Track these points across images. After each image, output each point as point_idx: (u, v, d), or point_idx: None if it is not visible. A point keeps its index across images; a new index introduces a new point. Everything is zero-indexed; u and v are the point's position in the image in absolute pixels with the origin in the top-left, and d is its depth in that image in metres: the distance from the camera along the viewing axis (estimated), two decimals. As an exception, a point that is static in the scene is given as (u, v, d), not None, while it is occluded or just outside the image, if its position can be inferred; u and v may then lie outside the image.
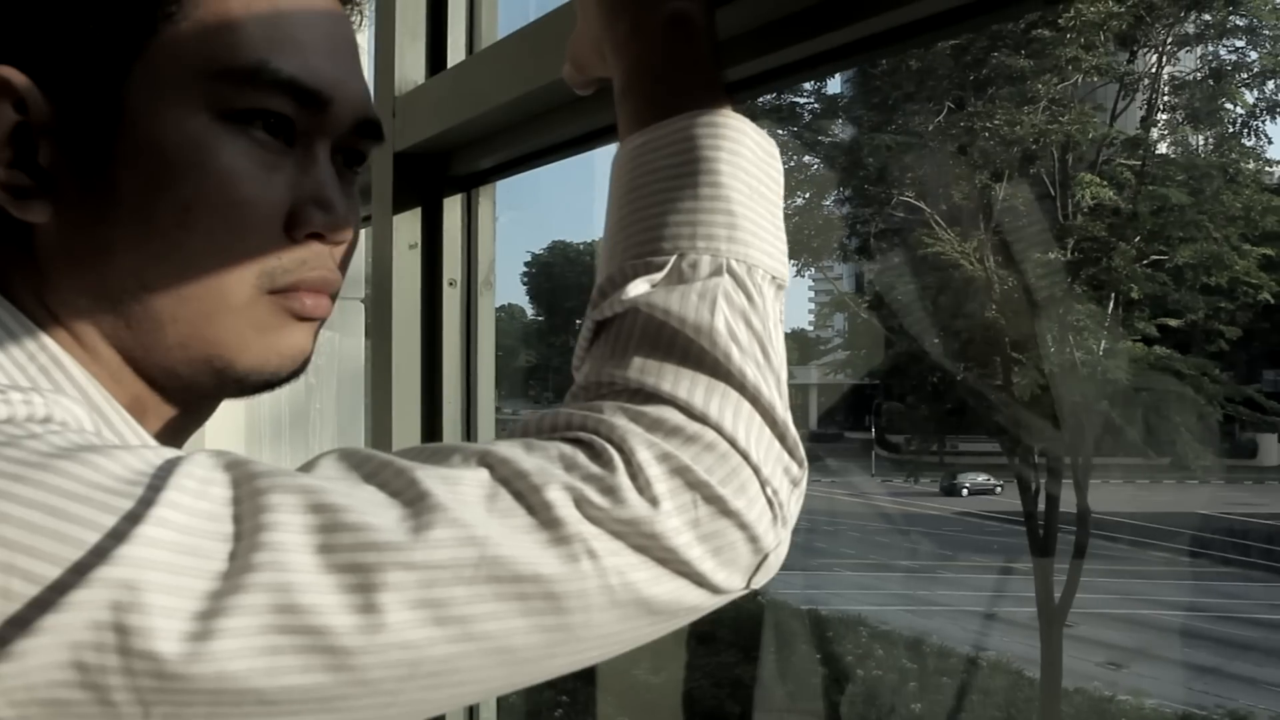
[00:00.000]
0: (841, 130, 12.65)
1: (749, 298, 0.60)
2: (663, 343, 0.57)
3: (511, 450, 0.52)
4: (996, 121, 10.61)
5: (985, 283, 11.03)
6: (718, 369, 0.57)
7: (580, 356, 0.63)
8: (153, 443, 0.61)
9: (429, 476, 0.50)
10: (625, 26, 0.69)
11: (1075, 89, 10.99)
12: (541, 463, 0.52)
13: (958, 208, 11.31)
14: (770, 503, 0.56)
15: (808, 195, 12.57)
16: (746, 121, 0.65)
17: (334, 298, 0.69)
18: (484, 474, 0.51)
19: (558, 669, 0.54)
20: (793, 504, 0.59)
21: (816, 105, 12.51)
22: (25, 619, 0.42)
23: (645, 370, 0.57)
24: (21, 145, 0.60)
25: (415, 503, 0.49)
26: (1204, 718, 10.14)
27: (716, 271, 0.60)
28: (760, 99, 12.29)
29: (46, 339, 0.60)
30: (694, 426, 0.55)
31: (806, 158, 12.52)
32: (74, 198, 0.61)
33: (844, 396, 17.83)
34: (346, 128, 0.67)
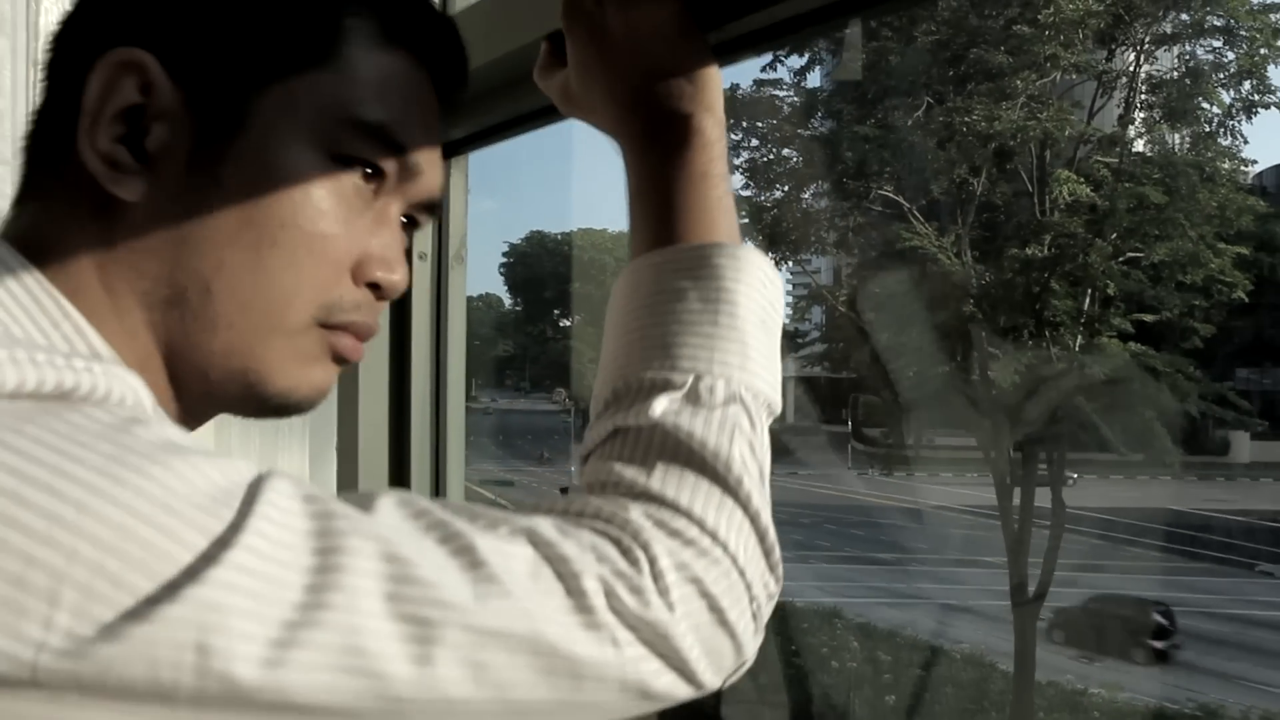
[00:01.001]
0: (820, 124, 12.66)
1: (753, 425, 0.66)
2: (682, 460, 0.63)
3: (551, 533, 0.56)
4: (975, 117, 10.66)
5: (962, 277, 11.08)
6: (729, 491, 0.62)
7: (589, 449, 0.67)
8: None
9: (485, 546, 0.54)
10: (641, 125, 0.76)
11: (1054, 86, 11.07)
12: (577, 550, 0.56)
13: (936, 202, 11.36)
14: (754, 616, 0.62)
15: (786, 189, 12.58)
16: (760, 255, 0.71)
17: None
18: (529, 550, 0.55)
19: None
20: (766, 614, 0.64)
21: (796, 98, 12.53)
22: (113, 628, 0.44)
23: (666, 482, 0.62)
24: (133, 124, 0.63)
25: (474, 569, 0.52)
26: (1176, 711, 10.24)
27: (730, 399, 0.65)
28: (741, 88, 12.32)
29: (70, 308, 0.61)
30: (707, 541, 0.60)
31: (785, 150, 12.52)
32: (172, 186, 0.63)
33: (821, 390, 17.88)
34: (421, 199, 0.71)
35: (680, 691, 0.59)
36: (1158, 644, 11.49)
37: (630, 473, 0.63)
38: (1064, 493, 11.16)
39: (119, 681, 0.45)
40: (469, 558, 0.53)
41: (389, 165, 0.67)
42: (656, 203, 0.74)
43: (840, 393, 17.55)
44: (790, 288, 16.20)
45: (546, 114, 1.19)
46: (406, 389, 1.43)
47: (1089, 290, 10.82)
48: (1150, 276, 10.94)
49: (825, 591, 13.63)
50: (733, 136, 12.22)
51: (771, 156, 12.39)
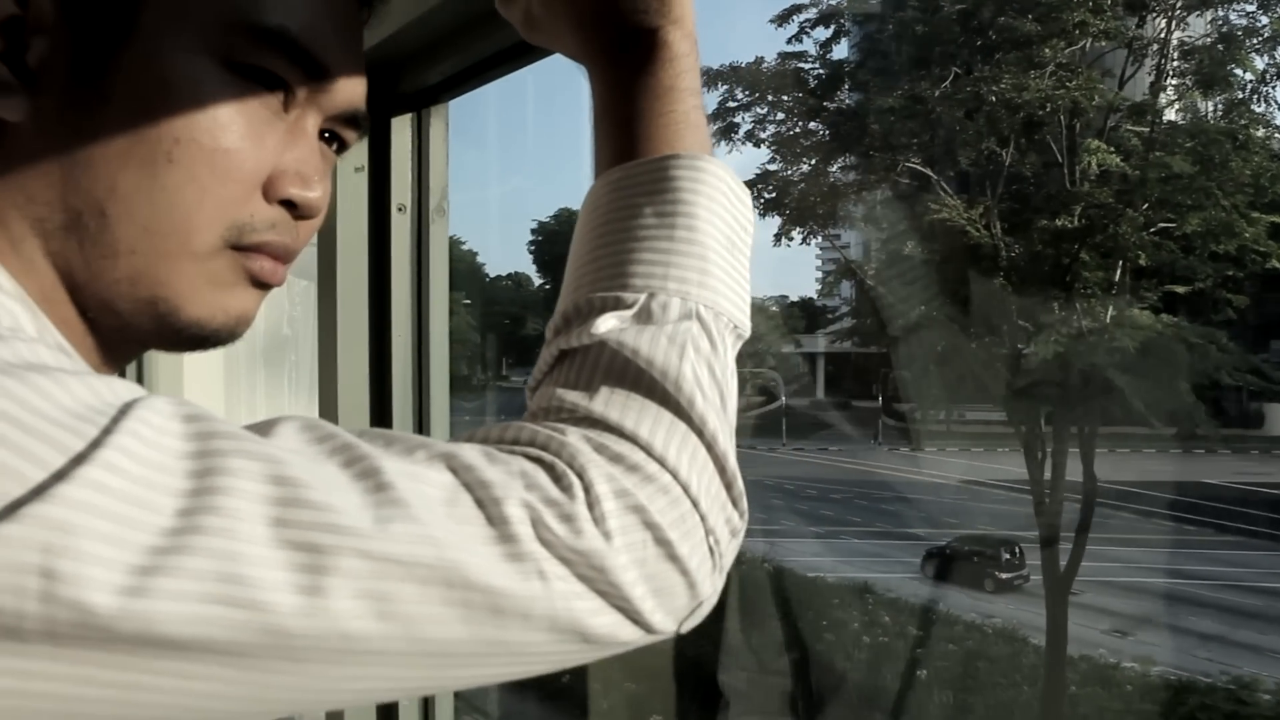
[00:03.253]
0: (847, 96, 12.54)
1: (713, 346, 0.61)
2: (629, 380, 0.58)
3: (475, 457, 0.52)
4: (1003, 86, 10.51)
5: (991, 250, 10.96)
6: (680, 413, 0.58)
7: (537, 379, 0.63)
8: (83, 365, 0.58)
9: (393, 469, 0.49)
10: (605, 42, 0.71)
11: (1083, 54, 10.88)
12: (502, 475, 0.52)
13: (964, 174, 11.24)
14: (711, 551, 0.57)
15: (814, 161, 12.48)
16: (726, 168, 0.67)
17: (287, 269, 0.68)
18: (447, 476, 0.51)
19: (483, 678, 0.54)
20: (730, 552, 0.60)
21: (822, 71, 12.41)
22: None
23: (610, 404, 0.57)
24: (12, 39, 0.58)
25: (377, 492, 0.48)
26: (1208, 684, 10.14)
27: (686, 316, 0.61)
28: (767, 61, 12.22)
29: None
30: (653, 467, 0.55)
31: (812, 124, 12.42)
32: (57, 103, 0.59)
33: (851, 365, 17.79)
34: (339, 110, 0.67)
35: (625, 634, 0.54)
36: (1004, 575, 12.77)
37: (573, 396, 0.59)
38: (1095, 466, 11.05)
39: None
40: (373, 480, 0.48)
41: (294, 74, 0.63)
42: (619, 120, 0.70)
43: (870, 368, 17.45)
44: (820, 263, 16.13)
45: (523, 52, 1.17)
46: (387, 346, 1.43)
47: (1120, 261, 10.67)
48: (1182, 247, 10.76)
49: (855, 567, 13.60)
50: (758, 110, 12.17)
51: (798, 130, 12.30)
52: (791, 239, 12.75)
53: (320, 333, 1.41)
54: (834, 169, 12.67)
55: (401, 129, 1.38)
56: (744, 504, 0.60)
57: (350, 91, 0.67)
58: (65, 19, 0.59)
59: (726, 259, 0.65)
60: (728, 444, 0.59)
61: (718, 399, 0.60)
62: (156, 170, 0.59)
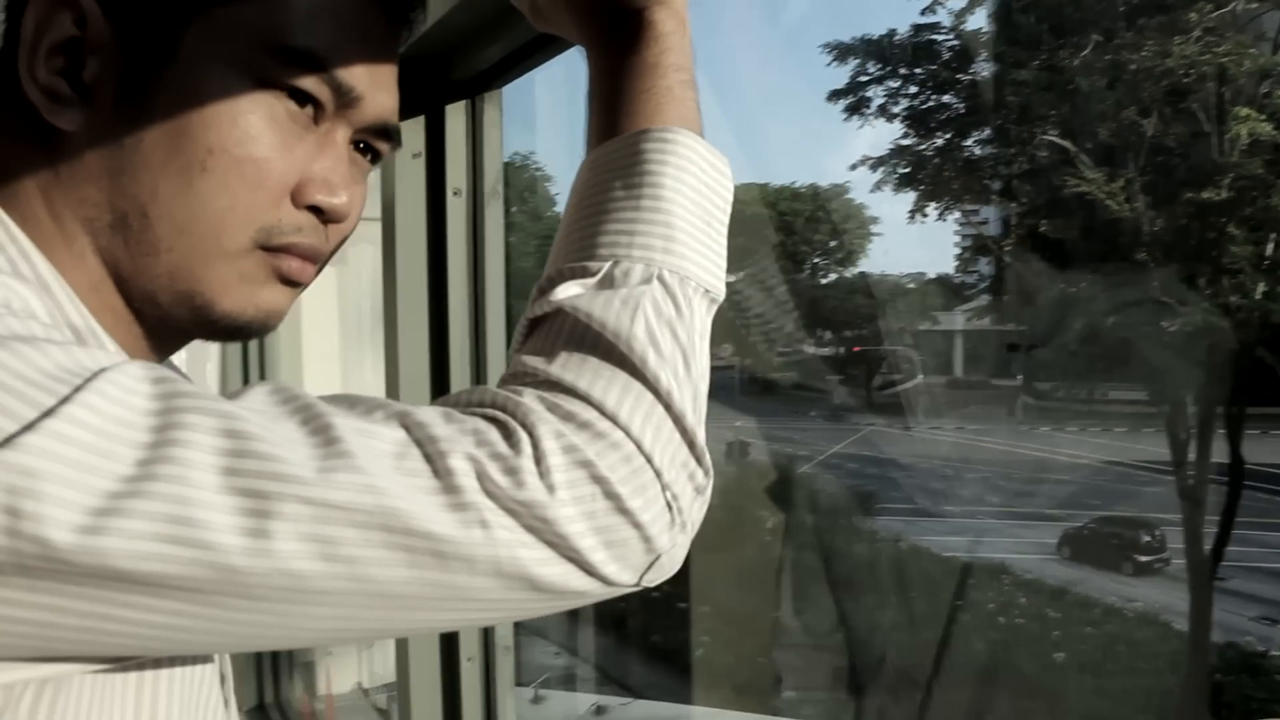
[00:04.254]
0: (983, 67, 12.22)
1: (677, 308, 0.64)
2: (586, 344, 0.61)
3: (430, 416, 0.57)
4: (1145, 54, 10.10)
5: (1133, 224, 10.58)
6: (634, 373, 0.60)
7: (514, 349, 0.67)
8: (110, 346, 0.65)
9: (345, 425, 0.54)
10: (598, 25, 0.75)
11: (1233, 17, 10.37)
12: (454, 432, 0.56)
13: (1105, 146, 10.85)
14: (669, 506, 0.60)
15: (949, 135, 12.22)
16: (698, 139, 0.69)
17: (319, 270, 0.73)
18: (400, 433, 0.55)
19: (442, 623, 0.58)
20: (695, 510, 0.62)
21: (956, 42, 12.12)
22: None
23: (566, 366, 0.61)
24: (70, 57, 0.65)
25: (325, 445, 0.52)
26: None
27: (646, 280, 0.64)
28: (898, 35, 11.98)
29: (17, 232, 0.64)
30: (604, 425, 0.58)
31: (946, 96, 12.14)
32: (107, 116, 0.65)
33: (990, 343, 17.35)
34: (368, 124, 0.72)
35: (578, 583, 0.57)
36: (1144, 558, 12.45)
37: (534, 361, 0.62)
38: (1243, 447, 10.59)
39: None
40: (323, 435, 0.53)
41: (322, 91, 0.68)
42: (605, 100, 0.73)
43: (1009, 346, 16.99)
44: (957, 239, 15.77)
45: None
46: (445, 324, 1.52)
47: (1271, 235, 10.17)
48: (1340, 220, 10.20)
49: (992, 548, 13.31)
50: (890, 84, 11.96)
51: (932, 103, 12.05)
52: (926, 215, 12.53)
53: (384, 309, 1.50)
54: (970, 143, 12.39)
55: (456, 115, 1.46)
56: (707, 461, 0.62)
57: (379, 107, 0.71)
58: (118, 40, 0.65)
59: (697, 225, 0.67)
60: (686, 403, 0.61)
61: (679, 359, 0.62)
62: (192, 177, 0.65)
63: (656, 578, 0.61)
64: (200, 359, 3.02)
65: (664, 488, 0.59)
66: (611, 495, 0.57)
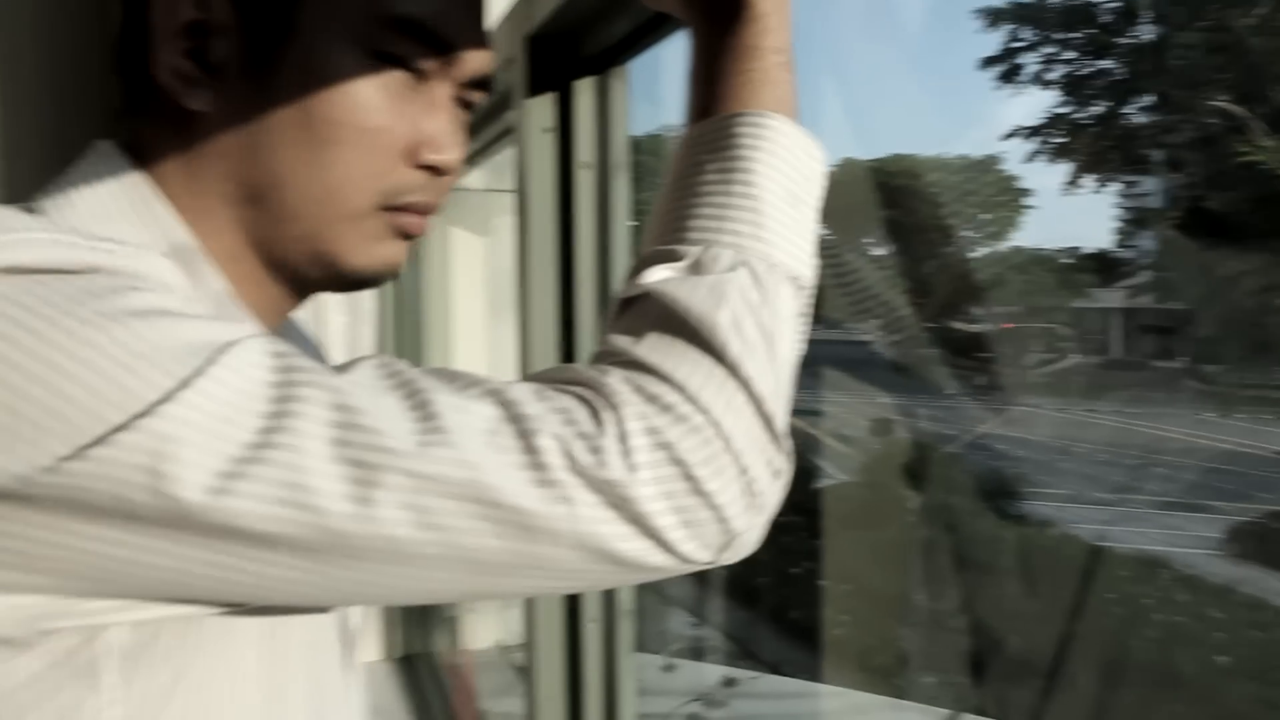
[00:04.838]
0: (1145, 29, 11.69)
1: (763, 295, 0.66)
2: (672, 328, 0.64)
3: (522, 394, 0.60)
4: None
5: (1311, 195, 9.99)
6: (718, 358, 0.62)
7: (607, 327, 0.70)
8: (242, 314, 0.72)
9: (443, 401, 0.58)
10: (700, 4, 0.76)
11: None
12: (543, 410, 0.59)
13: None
14: (747, 489, 0.62)
15: (1109, 104, 11.73)
16: (792, 124, 0.71)
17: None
18: (493, 410, 0.59)
19: (527, 588, 0.62)
20: (772, 492, 0.65)
21: (1117, 3, 11.61)
22: (86, 450, 0.52)
23: (653, 349, 0.63)
24: (195, 40, 0.69)
25: (425, 420, 0.57)
26: None
27: (734, 266, 0.66)
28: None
29: (162, 211, 0.70)
30: (686, 408, 0.61)
31: (1104, 62, 11.65)
32: (236, 95, 0.70)
33: (1151, 322, 16.67)
34: (467, 78, 0.76)
35: (656, 560, 0.60)
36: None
37: (622, 342, 0.65)
38: None
39: (89, 496, 0.53)
40: (423, 411, 0.57)
41: (426, 54, 0.72)
42: (702, 80, 0.75)
43: (1172, 325, 16.30)
44: (1116, 212, 15.19)
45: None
46: (573, 295, 1.55)
47: None
48: None
49: (1150, 539, 12.84)
50: (1045, 50, 11.54)
51: (1090, 69, 11.58)
52: (1083, 186, 12.08)
53: (517, 279, 1.54)
54: (1130, 110, 11.88)
55: (584, 91, 1.48)
56: (787, 443, 0.65)
57: (476, 62, 0.75)
58: (239, 21, 0.69)
59: (786, 212, 0.69)
60: (767, 389, 0.64)
61: (762, 346, 0.64)
62: (318, 149, 0.70)
63: (733, 556, 0.64)
64: (356, 320, 3.14)
65: (742, 471, 0.62)
66: (690, 477, 0.60)
